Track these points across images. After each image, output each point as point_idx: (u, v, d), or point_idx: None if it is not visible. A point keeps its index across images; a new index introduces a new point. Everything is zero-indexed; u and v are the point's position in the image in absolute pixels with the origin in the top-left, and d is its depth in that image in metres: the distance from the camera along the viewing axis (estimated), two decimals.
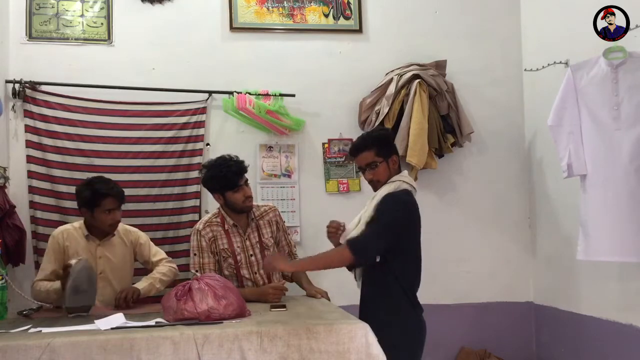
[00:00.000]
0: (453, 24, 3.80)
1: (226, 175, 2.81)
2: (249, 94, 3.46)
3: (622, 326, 2.93)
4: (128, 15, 3.51)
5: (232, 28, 3.60)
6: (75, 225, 2.91)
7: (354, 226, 2.50)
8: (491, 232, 3.75)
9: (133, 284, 2.90)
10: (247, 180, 2.90)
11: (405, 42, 3.73)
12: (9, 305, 2.49)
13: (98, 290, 2.81)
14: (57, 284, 2.66)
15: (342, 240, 2.48)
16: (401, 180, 2.48)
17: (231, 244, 2.89)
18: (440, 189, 3.71)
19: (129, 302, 2.68)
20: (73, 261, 2.50)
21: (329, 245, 3.51)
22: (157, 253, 3.03)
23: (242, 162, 2.89)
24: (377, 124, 3.48)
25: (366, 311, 2.46)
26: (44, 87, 3.34)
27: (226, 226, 2.91)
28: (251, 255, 2.91)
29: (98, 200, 2.78)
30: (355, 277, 2.60)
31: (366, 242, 2.34)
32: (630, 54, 2.71)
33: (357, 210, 3.38)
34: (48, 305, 2.64)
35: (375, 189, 2.54)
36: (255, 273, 2.89)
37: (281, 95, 3.51)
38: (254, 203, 2.99)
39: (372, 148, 2.51)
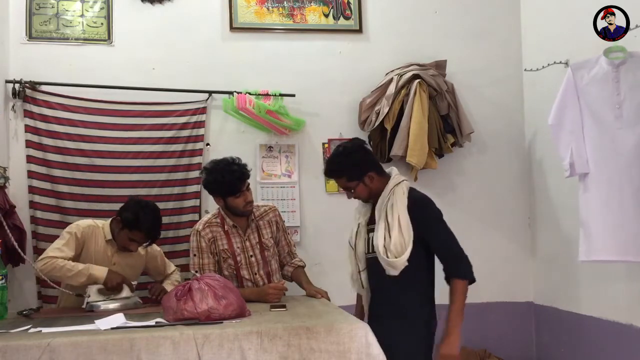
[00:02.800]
0: (453, 24, 3.80)
1: (229, 182, 2.78)
2: (249, 94, 3.46)
3: (622, 326, 2.93)
4: (128, 15, 3.51)
5: (232, 28, 3.60)
6: (99, 224, 2.90)
7: (384, 233, 2.41)
8: (491, 232, 3.75)
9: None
10: (248, 185, 2.87)
11: (405, 42, 3.73)
12: (9, 305, 2.49)
13: None
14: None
15: (383, 257, 2.41)
16: (404, 180, 2.50)
17: (231, 244, 2.88)
18: (440, 189, 3.70)
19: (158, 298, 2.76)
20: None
21: (328, 245, 3.54)
22: (170, 266, 3.10)
23: (245, 166, 2.85)
24: (377, 124, 3.48)
25: (406, 318, 2.44)
26: (44, 87, 3.34)
27: (226, 227, 2.90)
28: (251, 255, 2.90)
29: (131, 227, 2.77)
30: (362, 285, 2.58)
31: (461, 259, 2.41)
32: (630, 53, 2.71)
33: None
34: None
35: (365, 201, 2.58)
36: (255, 274, 2.89)
37: (281, 95, 3.51)
38: (254, 203, 2.98)
39: (342, 176, 2.51)
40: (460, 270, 2.39)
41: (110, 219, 2.89)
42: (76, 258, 2.79)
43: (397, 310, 2.45)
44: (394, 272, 2.38)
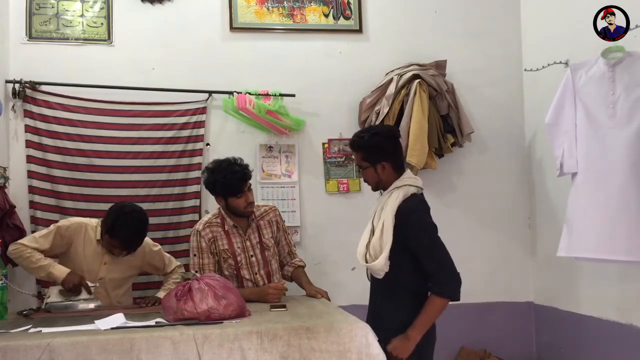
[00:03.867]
0: (453, 24, 3.79)
1: (230, 183, 2.79)
2: (249, 94, 3.46)
3: (622, 326, 2.93)
4: (128, 15, 3.51)
5: (232, 28, 3.60)
6: (93, 223, 2.90)
7: (367, 236, 2.43)
8: (491, 231, 3.75)
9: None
10: (250, 185, 2.88)
11: (405, 42, 3.73)
12: (9, 305, 2.49)
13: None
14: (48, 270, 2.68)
15: (361, 262, 2.43)
16: (407, 185, 2.42)
17: (231, 244, 2.88)
18: (440, 189, 3.71)
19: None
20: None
21: (328, 246, 3.54)
22: (170, 262, 3.06)
23: (247, 167, 2.87)
24: (377, 124, 3.47)
25: (382, 323, 2.37)
26: (44, 87, 3.34)
27: (226, 227, 2.90)
28: (251, 255, 2.90)
29: (111, 234, 2.76)
30: (368, 278, 2.58)
31: (450, 277, 2.33)
32: (628, 53, 2.71)
33: (357, 210, 3.41)
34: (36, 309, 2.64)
35: (373, 188, 2.55)
36: (256, 274, 2.89)
37: (281, 95, 3.51)
38: (254, 203, 2.98)
39: (359, 151, 2.50)
40: (447, 289, 2.31)
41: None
42: (61, 253, 2.81)
43: (379, 319, 2.39)
44: (377, 275, 2.38)
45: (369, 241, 2.40)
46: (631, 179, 2.66)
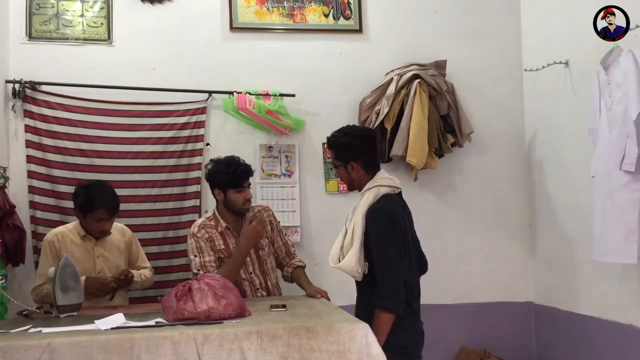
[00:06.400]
0: (453, 24, 3.80)
1: (234, 173, 2.83)
2: (249, 94, 3.46)
3: (622, 326, 2.94)
4: (128, 15, 3.51)
5: (232, 28, 3.60)
6: (69, 227, 2.90)
7: (341, 239, 2.44)
8: (491, 231, 3.75)
9: None
10: (250, 184, 2.91)
11: (405, 42, 3.74)
12: (9, 305, 2.49)
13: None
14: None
15: (332, 263, 2.44)
16: (378, 185, 2.41)
17: (227, 245, 2.88)
18: (440, 189, 3.71)
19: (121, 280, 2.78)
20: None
21: (328, 245, 3.50)
22: (144, 260, 3.08)
23: (250, 166, 2.92)
24: (377, 124, 3.48)
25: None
26: (44, 87, 3.34)
27: (219, 228, 2.90)
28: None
29: (90, 209, 2.78)
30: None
31: (391, 292, 2.28)
32: (617, 52, 2.70)
33: None
34: (36, 310, 2.58)
35: (348, 188, 2.56)
36: (251, 273, 2.90)
37: (281, 95, 3.51)
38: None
39: (332, 150, 2.53)
40: (385, 303, 2.27)
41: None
42: None
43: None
44: (354, 277, 2.40)
45: (343, 243, 2.42)
46: (618, 180, 2.66)
